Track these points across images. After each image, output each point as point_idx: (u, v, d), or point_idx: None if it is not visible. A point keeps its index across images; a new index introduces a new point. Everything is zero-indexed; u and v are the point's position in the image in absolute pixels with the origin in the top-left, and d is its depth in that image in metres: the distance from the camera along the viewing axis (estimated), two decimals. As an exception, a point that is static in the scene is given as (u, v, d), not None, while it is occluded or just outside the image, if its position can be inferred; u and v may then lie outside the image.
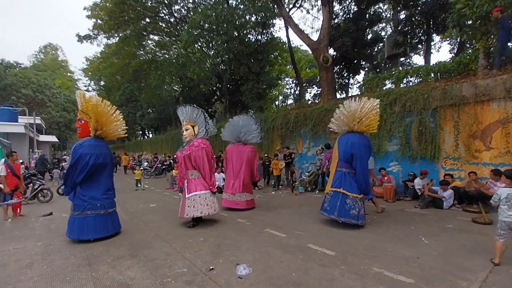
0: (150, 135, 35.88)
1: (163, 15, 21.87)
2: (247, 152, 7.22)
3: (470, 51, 10.48)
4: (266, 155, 11.42)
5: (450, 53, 18.83)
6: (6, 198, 6.62)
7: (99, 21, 21.56)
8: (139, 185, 11.47)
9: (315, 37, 14.56)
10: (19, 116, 21.18)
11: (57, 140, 31.20)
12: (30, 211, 7.11)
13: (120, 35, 21.49)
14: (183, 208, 5.30)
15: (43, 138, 26.93)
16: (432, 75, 8.87)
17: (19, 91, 31.53)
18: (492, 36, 7.05)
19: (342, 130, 5.53)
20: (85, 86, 40.49)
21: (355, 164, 5.16)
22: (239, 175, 7.07)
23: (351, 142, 5.18)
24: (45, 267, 3.61)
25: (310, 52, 16.76)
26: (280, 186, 10.50)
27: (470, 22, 7.34)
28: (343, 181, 5.20)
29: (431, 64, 11.20)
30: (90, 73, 35.69)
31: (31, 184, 8.85)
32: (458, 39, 13.70)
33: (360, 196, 5.09)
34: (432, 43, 16.99)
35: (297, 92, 26.24)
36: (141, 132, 39.61)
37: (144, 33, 22.10)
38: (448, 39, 19.14)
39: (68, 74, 50.44)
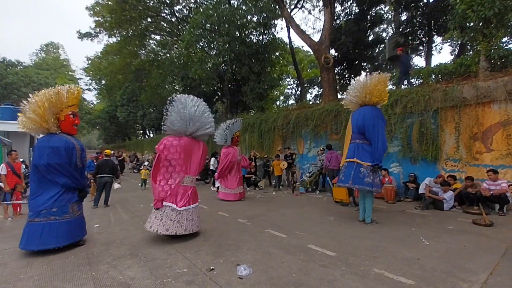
0: (151, 135, 35.89)
1: (164, 14, 21.88)
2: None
3: (471, 53, 10.49)
4: (265, 155, 11.42)
5: (451, 54, 18.84)
6: (6, 197, 6.62)
7: (100, 19, 21.57)
8: (144, 184, 11.51)
9: (316, 37, 14.59)
10: (19, 115, 21.18)
11: (58, 139, 31.18)
12: (30, 210, 7.10)
13: (123, 33, 21.50)
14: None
15: (43, 137, 26.93)
16: (433, 76, 8.88)
17: (20, 90, 31.57)
18: (494, 39, 7.05)
19: (355, 105, 5.66)
20: (86, 85, 40.56)
21: (369, 134, 5.22)
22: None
23: (363, 113, 5.34)
24: (45, 266, 3.61)
25: (312, 53, 16.76)
26: (281, 187, 10.50)
27: (472, 24, 7.34)
28: (356, 152, 5.33)
29: (432, 65, 11.20)
30: (91, 72, 35.71)
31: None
32: (459, 41, 13.70)
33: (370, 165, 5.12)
34: (433, 45, 16.98)
35: (298, 92, 26.26)
36: (142, 131, 39.65)
37: (146, 33, 22.12)
38: (449, 40, 19.15)
39: (70, 73, 50.46)
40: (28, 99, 4.14)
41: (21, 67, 37.98)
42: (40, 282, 3.17)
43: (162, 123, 4.67)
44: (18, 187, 6.79)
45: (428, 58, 14.20)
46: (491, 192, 5.82)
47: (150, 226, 4.45)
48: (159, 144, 4.60)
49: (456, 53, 14.87)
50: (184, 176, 4.64)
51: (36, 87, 33.18)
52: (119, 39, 22.61)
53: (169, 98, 4.71)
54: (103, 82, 34.24)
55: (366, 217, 5.37)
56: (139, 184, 11.82)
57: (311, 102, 20.09)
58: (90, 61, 35.17)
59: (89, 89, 40.90)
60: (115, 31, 21.76)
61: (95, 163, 8.71)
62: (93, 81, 38.00)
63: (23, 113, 4.13)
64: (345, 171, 5.47)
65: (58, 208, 4.08)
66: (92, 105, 50.39)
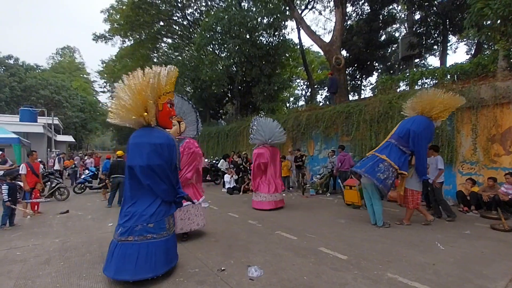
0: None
1: (176, 18, 22.28)
2: (278, 153, 7.74)
3: (488, 52, 10.17)
4: (280, 156, 11.38)
5: (467, 54, 18.33)
6: (26, 195, 6.87)
7: (115, 24, 22.17)
8: None
9: (327, 38, 14.50)
10: (38, 117, 21.92)
11: (74, 140, 32.10)
12: (47, 209, 7.34)
13: (135, 36, 22.02)
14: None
15: (60, 138, 27.78)
16: (449, 76, 8.65)
17: (38, 92, 32.72)
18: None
19: (412, 113, 5.58)
20: (101, 87, 41.70)
21: (413, 143, 5.10)
22: (279, 175, 7.62)
23: (414, 119, 5.30)
24: (62, 264, 3.72)
25: (322, 54, 16.66)
26: (291, 188, 10.45)
27: (489, 22, 7.13)
28: (385, 149, 5.29)
29: (447, 65, 10.93)
30: (105, 75, 36.67)
31: (49, 183, 9.15)
32: (476, 40, 13.30)
33: (396, 167, 5.05)
34: (448, 44, 16.57)
35: (308, 93, 26.10)
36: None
37: (158, 36, 22.57)
38: (465, 40, 18.64)
39: (85, 76, 51.98)
40: (118, 83, 3.25)
41: (39, 70, 39.38)
42: (58, 279, 3.27)
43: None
44: (38, 185, 7.03)
45: (443, 58, 13.85)
46: (510, 197, 5.62)
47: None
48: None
49: (473, 53, 14.46)
50: None
51: (53, 89, 34.29)
52: (132, 42, 23.15)
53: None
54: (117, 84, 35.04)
55: (378, 220, 5.29)
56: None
57: (321, 104, 19.95)
58: (104, 64, 36.12)
59: (103, 92, 42.07)
60: (128, 35, 22.31)
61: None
62: (107, 84, 39.01)
63: (115, 101, 3.23)
64: (364, 160, 5.48)
65: (155, 224, 3.12)
66: (106, 107, 51.70)
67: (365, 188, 5.54)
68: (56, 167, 12.67)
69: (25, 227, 5.73)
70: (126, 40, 23.50)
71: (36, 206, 6.90)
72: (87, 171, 11.13)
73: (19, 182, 6.90)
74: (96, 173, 10.77)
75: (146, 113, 3.15)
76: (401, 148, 5.20)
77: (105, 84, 39.82)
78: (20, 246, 4.49)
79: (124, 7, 20.64)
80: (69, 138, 29.87)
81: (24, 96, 32.30)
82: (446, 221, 5.61)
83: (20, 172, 6.87)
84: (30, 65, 37.71)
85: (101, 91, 43.89)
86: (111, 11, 22.25)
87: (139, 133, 3.25)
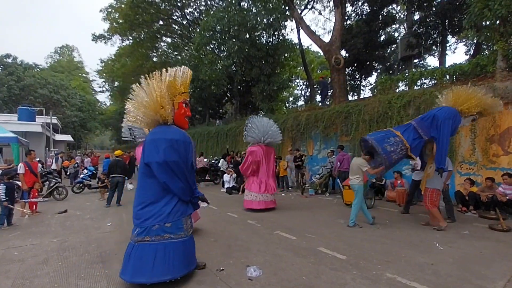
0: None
1: (176, 17, 22.25)
2: (273, 153, 7.61)
3: (487, 52, 10.19)
4: (275, 156, 11.38)
5: (466, 54, 18.38)
6: (24, 195, 6.84)
7: (114, 23, 22.12)
8: None
9: (327, 38, 14.49)
10: (36, 116, 21.86)
11: (72, 139, 32.04)
12: (46, 208, 7.31)
13: (134, 35, 21.98)
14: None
15: (59, 137, 27.74)
16: (448, 77, 8.66)
17: (36, 91, 32.61)
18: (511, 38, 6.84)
19: (444, 103, 5.51)
20: (100, 87, 41.63)
21: (434, 130, 4.96)
22: (273, 175, 7.47)
23: (442, 107, 5.25)
24: (61, 263, 3.71)
25: (322, 54, 16.67)
26: (290, 188, 10.45)
27: (488, 23, 7.14)
28: (403, 128, 5.24)
29: (447, 66, 10.94)
30: (104, 74, 36.61)
31: (47, 182, 9.12)
32: (475, 40, 13.32)
33: (408, 146, 4.95)
34: (447, 45, 16.58)
35: (308, 93, 26.09)
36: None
37: (158, 35, 22.53)
38: (464, 40, 18.68)
39: (84, 75, 51.86)
40: (136, 85, 3.31)
41: (37, 69, 39.24)
42: (56, 279, 3.26)
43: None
44: (36, 184, 7.00)
45: (442, 58, 13.86)
46: (508, 197, 5.63)
47: None
48: None
49: (472, 53, 14.48)
50: None
51: (52, 88, 34.18)
52: (131, 41, 23.11)
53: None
54: (116, 84, 35.02)
55: (350, 219, 5.33)
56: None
57: (320, 104, 19.96)
58: (103, 63, 36.05)
59: (102, 91, 41.99)
60: (127, 34, 22.27)
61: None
62: (106, 83, 38.93)
63: (133, 100, 3.32)
64: (379, 132, 5.48)
65: (172, 223, 3.03)
66: (105, 106, 51.63)
67: (351, 189, 5.64)
68: (53, 166, 12.60)
69: (23, 226, 5.71)
70: (125, 39, 23.45)
71: (34, 206, 6.86)
72: (85, 171, 11.11)
73: (17, 182, 6.87)
74: (94, 172, 10.74)
75: (163, 109, 3.16)
76: (419, 132, 5.07)
77: (104, 83, 39.73)
78: (18, 246, 4.47)
79: (123, 6, 20.59)
80: (68, 138, 29.83)
81: (22, 95, 32.19)
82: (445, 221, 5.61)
83: (18, 172, 6.84)
84: (29, 64, 37.59)
85: (100, 91, 43.81)
86: (110, 10, 22.19)
87: (156, 130, 3.23)
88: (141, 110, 3.20)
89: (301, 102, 29.42)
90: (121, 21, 21.02)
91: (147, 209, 3.03)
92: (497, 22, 6.84)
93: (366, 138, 5.39)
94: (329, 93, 14.78)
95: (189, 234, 3.23)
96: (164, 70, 3.28)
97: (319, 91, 13.33)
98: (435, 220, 5.15)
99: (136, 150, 5.26)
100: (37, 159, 9.50)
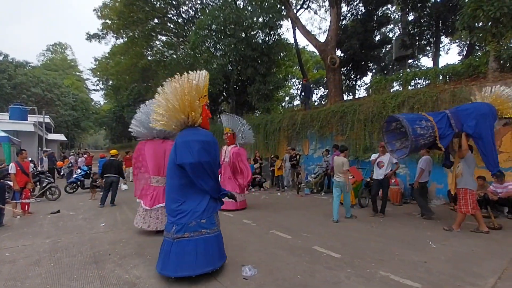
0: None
1: (171, 15, 22.09)
2: (245, 154, 7.51)
3: (480, 53, 10.34)
4: (273, 156, 11.41)
5: (459, 55, 18.61)
6: (15, 195, 6.73)
7: (108, 21, 21.88)
8: None
9: (322, 38, 14.55)
10: (28, 115, 21.53)
11: (65, 139, 31.60)
12: (38, 209, 7.22)
13: (129, 34, 21.76)
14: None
15: (51, 136, 27.34)
16: (441, 77, 8.77)
17: (29, 90, 32.08)
18: (503, 39, 6.94)
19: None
20: (94, 85, 41.15)
21: (474, 124, 4.60)
22: (246, 178, 7.28)
23: (481, 102, 5.00)
24: (53, 264, 3.66)
25: (317, 53, 16.72)
26: (285, 188, 10.48)
27: (481, 24, 7.23)
28: (437, 115, 5.03)
29: (440, 66, 11.07)
30: (98, 73, 36.21)
31: (39, 182, 8.98)
32: (468, 41, 13.51)
33: (437, 135, 4.77)
34: (441, 45, 16.79)
35: (303, 93, 26.10)
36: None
37: (153, 34, 22.35)
38: (457, 41, 18.91)
39: (77, 73, 51.20)
40: (162, 88, 3.39)
41: (29, 67, 38.56)
42: (48, 280, 3.21)
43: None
44: (29, 184, 6.89)
45: (435, 58, 14.02)
46: (499, 196, 5.72)
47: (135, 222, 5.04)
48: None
49: (465, 54, 14.66)
50: (150, 176, 5.08)
51: (45, 87, 33.68)
52: (126, 40, 22.88)
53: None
54: (110, 82, 34.67)
55: (346, 212, 5.83)
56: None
57: (316, 103, 20.02)
58: (97, 62, 35.65)
59: (96, 90, 41.52)
60: (122, 32, 22.05)
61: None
62: (100, 82, 38.52)
63: (161, 104, 3.35)
64: (410, 113, 5.45)
65: (207, 220, 3.22)
66: (99, 105, 51.08)
67: (338, 186, 5.78)
68: (39, 168, 11.76)
69: (15, 227, 5.62)
70: (120, 37, 23.21)
71: (26, 206, 6.76)
72: (79, 170, 10.98)
73: (8, 182, 6.76)
74: (88, 172, 10.63)
75: (193, 112, 3.30)
76: (451, 122, 4.81)
77: (98, 82, 39.27)
78: (9, 246, 4.40)
79: (117, 4, 20.38)
80: (61, 137, 29.42)
81: (14, 94, 31.63)
82: (420, 216, 5.90)
83: (9, 172, 6.72)
84: (20, 62, 36.91)
85: (93, 89, 43.28)
86: (104, 10, 21.92)
87: (187, 133, 3.35)
88: (171, 113, 3.29)
89: (297, 102, 29.51)
90: (115, 18, 20.80)
91: (183, 207, 3.20)
92: (489, 23, 6.93)
93: (397, 116, 5.14)
94: (314, 95, 15.31)
95: (219, 229, 3.42)
96: (187, 73, 3.35)
97: (301, 94, 13.34)
98: (459, 223, 4.84)
99: (140, 148, 5.27)
100: (29, 159, 9.35)
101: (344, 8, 15.84)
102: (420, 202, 5.97)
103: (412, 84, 9.60)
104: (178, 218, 3.16)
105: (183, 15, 21.73)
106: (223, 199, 3.60)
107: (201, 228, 3.16)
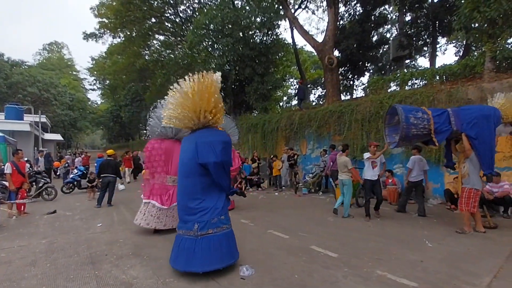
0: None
1: (168, 15, 21.99)
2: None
3: (476, 54, 10.41)
4: (272, 156, 11.42)
5: (456, 55, 18.68)
6: (11, 195, 6.67)
7: (105, 20, 21.75)
8: None
9: (320, 38, 14.58)
10: (24, 114, 21.36)
11: (62, 139, 31.40)
12: (34, 209, 7.16)
13: (127, 33, 21.64)
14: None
15: (48, 136, 27.14)
16: (438, 77, 8.81)
17: (25, 89, 31.83)
18: (499, 39, 6.99)
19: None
20: (90, 85, 40.90)
21: (474, 125, 4.63)
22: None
23: (485, 105, 5.19)
24: (49, 265, 3.63)
25: (315, 53, 16.75)
26: (283, 187, 10.48)
27: (477, 24, 7.28)
28: (437, 111, 5.07)
29: (437, 66, 11.14)
30: (95, 72, 35.99)
31: (35, 182, 8.91)
32: (464, 41, 13.58)
33: (433, 129, 4.82)
34: (438, 46, 16.87)
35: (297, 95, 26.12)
36: (145, 131, 39.84)
37: (150, 33, 22.24)
38: (454, 41, 19.00)
39: (74, 72, 50.86)
40: (176, 86, 3.46)
41: (25, 66, 38.24)
42: (44, 281, 3.19)
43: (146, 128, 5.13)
44: (25, 185, 6.84)
45: (432, 59, 14.08)
46: (494, 195, 5.77)
47: (135, 219, 5.00)
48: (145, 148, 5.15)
49: (461, 54, 14.74)
50: (166, 176, 5.09)
51: (42, 86, 33.43)
52: (123, 39, 22.76)
53: (154, 104, 5.13)
54: (107, 82, 34.48)
55: (344, 212, 5.89)
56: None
57: (314, 103, 20.04)
58: (94, 61, 35.43)
59: (93, 89, 41.28)
60: (119, 31, 21.92)
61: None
62: (97, 81, 38.30)
63: (181, 103, 3.39)
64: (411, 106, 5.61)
65: (224, 216, 3.39)
66: (96, 105, 50.81)
67: (342, 184, 5.98)
68: (35, 168, 11.44)
69: (11, 228, 5.57)
70: (117, 36, 23.07)
71: (22, 207, 6.71)
72: (75, 170, 10.91)
73: (3, 182, 6.70)
74: (85, 172, 10.56)
75: (218, 114, 3.48)
76: (450, 119, 4.83)
77: (95, 81, 39.04)
78: (5, 247, 4.36)
79: (114, 3, 20.26)
80: (57, 137, 29.23)
81: (10, 93, 31.36)
82: (416, 216, 6.01)
83: (5, 172, 6.67)
84: (16, 61, 36.58)
85: (90, 89, 43.01)
86: (101, 9, 21.78)
87: (207, 133, 3.45)
88: (189, 114, 3.38)
89: (294, 102, 29.52)
90: (112, 17, 20.67)
91: (204, 205, 3.31)
92: (486, 24, 6.98)
93: (394, 105, 5.24)
94: (309, 96, 15.31)
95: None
96: (205, 73, 3.41)
97: (296, 94, 13.62)
98: (467, 223, 4.78)
99: (157, 147, 5.18)
100: (25, 159, 9.28)
101: (342, 8, 15.86)
102: (403, 200, 6.46)
103: (409, 84, 9.64)
104: (199, 216, 3.25)
105: (181, 15, 21.66)
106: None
107: (222, 224, 3.32)
